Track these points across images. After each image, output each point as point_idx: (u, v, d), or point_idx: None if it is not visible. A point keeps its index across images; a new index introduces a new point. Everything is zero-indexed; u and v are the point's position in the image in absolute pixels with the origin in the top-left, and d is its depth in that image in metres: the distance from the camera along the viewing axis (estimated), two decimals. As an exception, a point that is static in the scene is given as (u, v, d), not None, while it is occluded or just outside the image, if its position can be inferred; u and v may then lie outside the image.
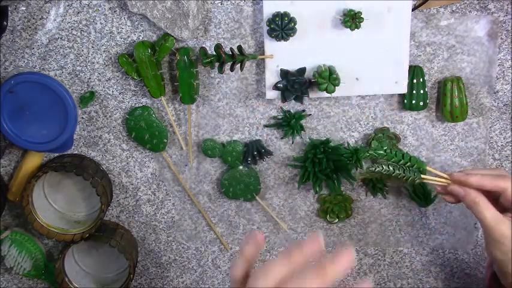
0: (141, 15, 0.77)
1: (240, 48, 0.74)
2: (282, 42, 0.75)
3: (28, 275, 0.89)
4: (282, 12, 0.73)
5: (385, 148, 0.70)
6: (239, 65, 0.74)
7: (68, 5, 0.78)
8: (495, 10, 0.78)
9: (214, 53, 0.74)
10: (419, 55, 0.79)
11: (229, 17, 0.78)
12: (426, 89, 0.79)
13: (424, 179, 0.70)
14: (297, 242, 0.56)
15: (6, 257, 0.86)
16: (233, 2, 0.77)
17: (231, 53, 0.73)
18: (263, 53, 0.77)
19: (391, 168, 0.69)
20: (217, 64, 0.74)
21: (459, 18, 0.78)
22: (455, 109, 0.79)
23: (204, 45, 0.78)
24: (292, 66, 0.76)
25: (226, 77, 0.80)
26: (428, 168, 0.71)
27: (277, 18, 0.73)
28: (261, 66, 0.80)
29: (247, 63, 0.80)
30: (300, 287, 0.47)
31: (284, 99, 0.77)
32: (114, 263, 0.91)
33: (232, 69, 0.73)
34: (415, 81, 0.78)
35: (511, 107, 0.82)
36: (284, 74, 0.76)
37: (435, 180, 0.70)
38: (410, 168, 0.70)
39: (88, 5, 0.77)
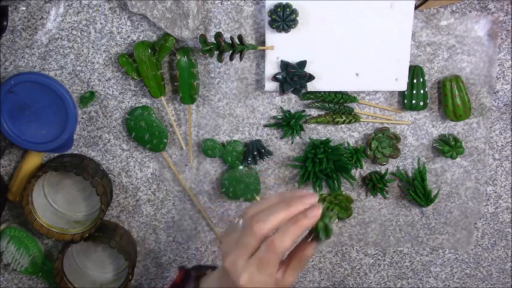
0: (141, 15, 0.76)
1: (240, 37, 0.73)
2: (283, 34, 0.75)
3: (25, 272, 0.88)
4: (284, 3, 0.73)
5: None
6: (238, 54, 0.74)
7: (68, 5, 0.77)
8: (495, 10, 0.78)
9: (214, 41, 0.73)
10: (420, 55, 0.79)
11: (229, 17, 0.78)
12: (426, 89, 0.79)
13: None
14: (295, 193, 0.57)
15: (4, 253, 0.86)
16: (233, 2, 0.77)
17: (230, 42, 0.72)
18: (263, 50, 0.77)
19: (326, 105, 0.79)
20: (216, 53, 0.73)
21: (459, 18, 0.78)
22: (457, 108, 0.79)
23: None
24: (292, 59, 0.76)
25: (226, 77, 0.80)
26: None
27: (279, 9, 0.73)
28: (261, 66, 0.80)
29: (247, 65, 0.80)
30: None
31: (282, 91, 0.76)
32: (113, 263, 0.91)
33: (231, 58, 0.73)
34: (415, 81, 0.78)
35: (511, 107, 0.82)
36: (284, 65, 0.76)
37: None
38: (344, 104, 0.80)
39: (88, 5, 0.77)
